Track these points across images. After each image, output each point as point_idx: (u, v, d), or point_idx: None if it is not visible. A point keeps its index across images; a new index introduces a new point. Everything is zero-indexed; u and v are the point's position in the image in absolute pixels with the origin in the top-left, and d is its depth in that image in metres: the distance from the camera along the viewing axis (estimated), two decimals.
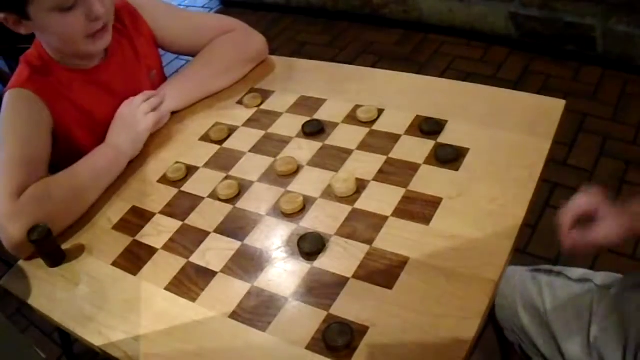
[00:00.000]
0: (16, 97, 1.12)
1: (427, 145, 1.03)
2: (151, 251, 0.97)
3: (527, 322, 1.05)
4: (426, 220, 0.90)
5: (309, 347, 0.77)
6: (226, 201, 1.03)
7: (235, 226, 0.98)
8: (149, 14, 1.32)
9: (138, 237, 1.00)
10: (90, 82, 1.20)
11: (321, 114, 1.17)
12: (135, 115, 1.16)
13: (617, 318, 0.95)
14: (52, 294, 0.95)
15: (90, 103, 1.20)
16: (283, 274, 0.88)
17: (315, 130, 1.12)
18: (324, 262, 0.88)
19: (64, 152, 1.15)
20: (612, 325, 0.95)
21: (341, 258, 0.87)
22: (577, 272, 1.06)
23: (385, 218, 0.92)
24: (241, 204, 1.02)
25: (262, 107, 1.24)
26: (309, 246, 0.89)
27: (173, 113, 1.26)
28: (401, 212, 0.92)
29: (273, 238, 0.94)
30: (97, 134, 1.17)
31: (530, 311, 1.05)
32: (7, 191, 1.00)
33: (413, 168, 0.99)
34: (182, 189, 1.08)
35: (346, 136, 1.10)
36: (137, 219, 1.04)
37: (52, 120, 1.13)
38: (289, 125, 1.16)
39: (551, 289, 1.04)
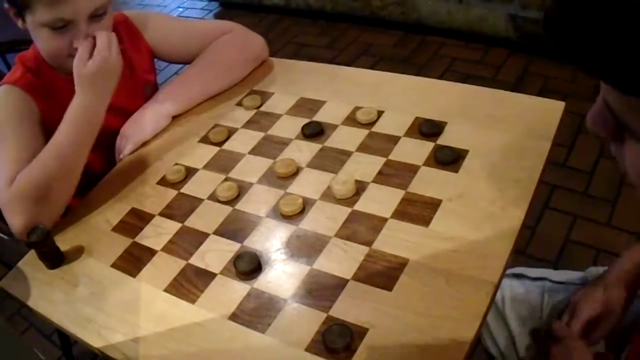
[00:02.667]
0: (7, 93, 1.15)
1: (427, 146, 1.03)
2: (151, 253, 0.97)
3: (489, 318, 1.08)
4: (426, 222, 0.90)
5: (308, 349, 0.77)
6: (226, 203, 1.03)
7: (235, 228, 0.98)
8: (147, 28, 1.32)
9: (137, 239, 1.00)
10: None
11: (320, 116, 1.17)
12: (95, 62, 1.07)
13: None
14: (51, 295, 0.95)
15: None
16: (282, 275, 0.88)
17: (314, 131, 1.12)
18: (324, 263, 0.88)
19: None
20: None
21: (341, 260, 0.87)
22: (536, 271, 1.08)
23: (384, 220, 0.92)
24: (241, 205, 1.02)
25: (262, 108, 1.24)
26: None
27: (174, 116, 1.26)
28: (401, 213, 0.92)
29: (272, 240, 0.94)
30: None
31: (492, 310, 1.08)
32: (6, 182, 1.03)
33: (412, 170, 0.99)
34: (182, 190, 1.08)
35: (346, 138, 1.10)
36: (136, 220, 1.04)
37: (40, 117, 1.15)
38: (289, 126, 1.16)
39: (511, 290, 1.07)
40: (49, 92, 1.17)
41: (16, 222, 1.01)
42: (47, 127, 1.16)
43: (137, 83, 1.30)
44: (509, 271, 1.12)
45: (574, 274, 1.07)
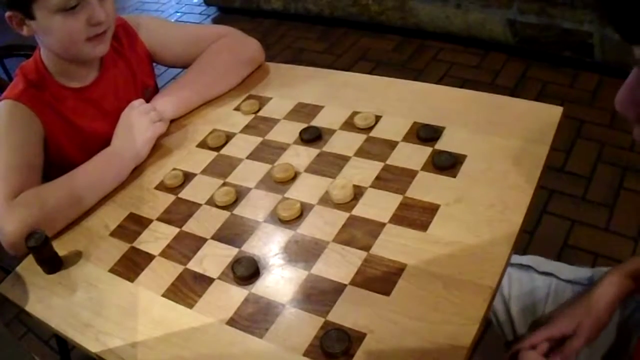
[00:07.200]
0: (9, 109, 1.14)
1: (425, 151, 1.03)
2: (148, 258, 0.97)
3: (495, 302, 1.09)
4: (424, 226, 0.90)
5: (306, 354, 0.77)
6: (223, 208, 1.03)
7: (233, 233, 0.98)
8: (145, 31, 1.33)
9: (135, 244, 1.00)
10: (84, 100, 1.21)
11: (318, 121, 1.17)
12: (142, 122, 1.16)
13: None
14: (49, 300, 0.95)
15: (82, 119, 1.21)
16: (280, 280, 0.88)
17: (312, 136, 1.12)
18: (322, 268, 0.88)
19: (53, 164, 1.16)
20: None
21: (338, 265, 0.87)
22: (545, 265, 1.09)
23: (382, 225, 0.92)
24: (238, 210, 1.02)
25: (260, 113, 1.24)
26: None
27: (171, 121, 1.26)
28: (399, 218, 0.92)
29: (270, 244, 0.94)
30: (88, 149, 1.16)
31: (498, 295, 1.08)
32: (3, 195, 1.02)
33: (410, 175, 0.99)
34: (180, 195, 1.08)
35: (343, 143, 1.10)
36: (134, 225, 1.04)
37: (43, 133, 1.15)
38: (287, 131, 1.16)
39: (519, 282, 1.08)
40: (51, 104, 1.17)
41: (11, 229, 0.99)
42: (52, 141, 1.17)
43: (137, 87, 1.31)
44: (518, 260, 1.11)
45: (582, 271, 1.06)
